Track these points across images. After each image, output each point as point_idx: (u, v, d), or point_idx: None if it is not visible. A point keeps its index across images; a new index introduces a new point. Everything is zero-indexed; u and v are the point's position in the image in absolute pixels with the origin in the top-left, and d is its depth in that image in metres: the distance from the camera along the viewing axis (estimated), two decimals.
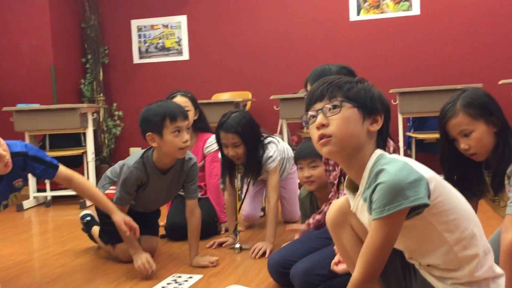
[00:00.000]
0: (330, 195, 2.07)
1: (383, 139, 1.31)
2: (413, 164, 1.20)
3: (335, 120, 1.24)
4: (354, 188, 1.34)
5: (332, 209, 1.45)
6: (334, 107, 1.25)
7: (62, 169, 2.15)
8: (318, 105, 1.28)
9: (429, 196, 1.17)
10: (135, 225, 2.23)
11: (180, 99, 2.94)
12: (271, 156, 2.63)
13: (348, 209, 1.37)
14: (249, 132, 2.56)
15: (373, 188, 1.20)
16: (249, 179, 2.74)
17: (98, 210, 2.48)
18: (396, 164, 1.18)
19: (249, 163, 2.62)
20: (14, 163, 1.94)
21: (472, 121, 1.63)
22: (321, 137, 1.26)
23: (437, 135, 4.08)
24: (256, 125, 2.66)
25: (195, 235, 2.39)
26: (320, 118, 1.26)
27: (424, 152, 4.39)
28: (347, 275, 1.73)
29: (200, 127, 3.06)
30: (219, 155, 2.74)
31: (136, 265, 2.21)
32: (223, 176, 2.75)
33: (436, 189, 1.19)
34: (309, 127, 1.31)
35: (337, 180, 1.98)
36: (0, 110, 4.29)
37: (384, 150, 1.30)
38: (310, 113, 1.30)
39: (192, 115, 2.96)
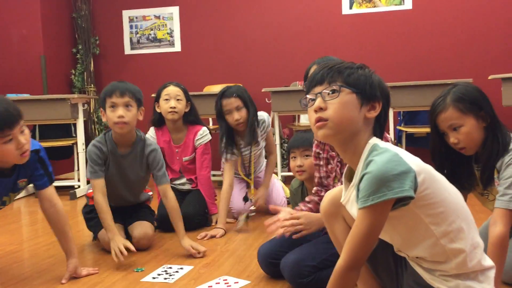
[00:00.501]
0: (314, 189, 2.07)
1: (380, 127, 1.31)
2: (404, 156, 1.21)
3: (333, 104, 1.25)
4: (351, 178, 1.35)
5: (326, 199, 1.48)
6: (333, 91, 1.26)
7: (53, 189, 2.13)
8: (318, 89, 1.29)
9: (416, 189, 1.17)
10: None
11: (172, 89, 2.97)
12: (263, 119, 3.00)
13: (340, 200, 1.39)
14: (248, 97, 2.90)
15: (360, 177, 1.21)
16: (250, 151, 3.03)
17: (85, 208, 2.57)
18: (385, 155, 1.19)
19: (252, 128, 2.91)
20: (28, 158, 1.99)
21: (462, 115, 1.65)
22: (318, 120, 1.26)
23: (427, 129, 4.11)
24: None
25: (177, 216, 2.43)
26: (318, 102, 1.27)
27: (414, 146, 4.42)
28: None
29: (191, 119, 3.06)
30: (226, 155, 2.93)
31: (112, 250, 2.26)
32: (225, 147, 2.92)
33: (425, 181, 1.20)
34: (307, 110, 1.32)
35: (333, 174, 1.97)
36: None
37: (381, 137, 1.30)
38: (309, 96, 1.31)
39: (183, 106, 2.98)
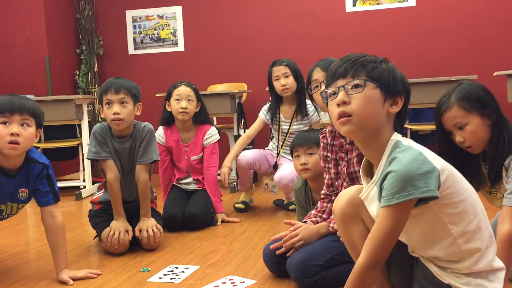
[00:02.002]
0: (322, 194, 2.07)
1: (400, 122, 1.31)
2: (427, 154, 1.20)
3: (357, 99, 1.23)
4: (369, 172, 1.34)
5: (342, 200, 1.43)
6: (357, 85, 1.24)
7: (57, 205, 2.14)
8: (340, 82, 1.26)
9: (439, 188, 1.17)
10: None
11: (184, 89, 2.98)
12: (313, 109, 3.21)
13: (360, 201, 1.36)
14: (297, 70, 3.18)
15: (384, 175, 1.20)
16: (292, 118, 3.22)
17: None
18: (410, 153, 1.18)
19: (300, 99, 3.18)
20: (34, 169, 2.05)
21: (466, 114, 1.64)
22: (341, 114, 1.24)
23: (432, 127, 4.12)
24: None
25: (143, 196, 2.50)
26: (341, 95, 1.25)
27: (419, 144, 4.40)
28: (343, 265, 1.76)
29: (201, 119, 3.08)
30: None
31: (110, 229, 2.39)
32: (268, 110, 3.26)
33: (447, 181, 1.20)
34: (328, 103, 1.30)
35: (344, 175, 1.95)
36: None
37: (402, 133, 1.30)
38: (331, 89, 1.29)
39: (194, 107, 3.00)
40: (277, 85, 3.16)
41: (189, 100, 2.96)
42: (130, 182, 2.57)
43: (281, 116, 3.25)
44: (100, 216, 2.57)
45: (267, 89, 4.27)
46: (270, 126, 3.34)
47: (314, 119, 3.24)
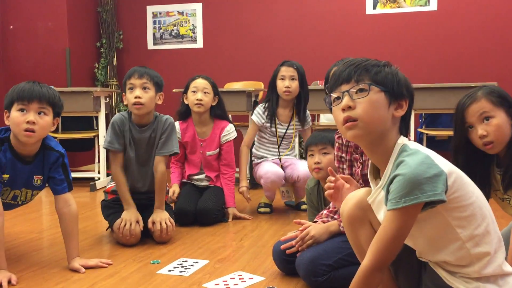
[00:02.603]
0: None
1: (406, 125, 1.30)
2: (435, 158, 1.20)
3: (362, 103, 1.23)
4: (377, 175, 1.33)
5: (350, 202, 1.41)
6: (361, 90, 1.24)
7: (71, 194, 2.17)
8: (345, 87, 1.26)
9: (446, 191, 1.16)
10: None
11: (200, 81, 3.02)
12: (308, 115, 3.26)
13: (368, 204, 1.35)
14: (304, 77, 3.17)
15: (391, 178, 1.20)
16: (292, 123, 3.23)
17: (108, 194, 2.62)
18: (417, 157, 1.18)
19: (301, 107, 3.19)
20: (50, 156, 2.09)
21: (494, 107, 1.63)
22: (347, 119, 1.24)
23: (449, 132, 4.07)
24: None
25: (159, 187, 2.54)
26: (346, 100, 1.24)
27: (435, 150, 4.33)
28: (352, 266, 1.75)
29: (218, 113, 3.11)
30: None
31: (121, 220, 2.42)
32: (263, 110, 3.20)
33: (454, 184, 1.19)
34: (332, 109, 1.30)
35: (358, 176, 1.94)
36: None
37: (407, 136, 1.29)
38: (335, 94, 1.28)
39: (210, 99, 3.03)
40: (280, 85, 3.14)
41: (205, 93, 2.99)
42: (145, 172, 2.60)
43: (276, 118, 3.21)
44: (112, 207, 2.60)
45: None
46: (262, 128, 3.24)
47: (307, 126, 3.28)
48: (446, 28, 4.69)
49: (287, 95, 3.13)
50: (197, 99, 2.97)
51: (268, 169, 3.08)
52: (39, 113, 1.97)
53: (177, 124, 3.11)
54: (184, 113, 3.11)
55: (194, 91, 3.00)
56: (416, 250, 1.36)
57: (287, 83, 3.10)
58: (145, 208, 2.57)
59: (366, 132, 1.24)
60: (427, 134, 4.24)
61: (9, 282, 1.91)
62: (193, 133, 3.09)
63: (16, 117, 1.94)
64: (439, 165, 1.17)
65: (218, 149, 3.09)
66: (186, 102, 3.06)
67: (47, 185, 2.18)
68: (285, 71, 3.13)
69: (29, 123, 1.93)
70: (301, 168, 3.08)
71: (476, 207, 1.23)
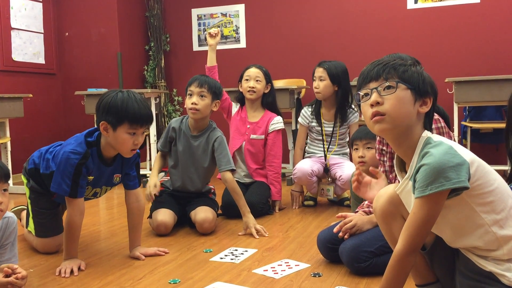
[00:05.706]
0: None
1: (429, 121, 1.40)
2: (457, 148, 1.29)
3: (390, 99, 1.33)
4: (403, 168, 1.43)
5: (382, 199, 1.50)
6: (389, 87, 1.34)
7: (140, 189, 2.38)
8: (373, 84, 1.36)
9: (469, 179, 1.26)
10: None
11: (253, 70, 3.25)
12: (353, 112, 3.35)
13: (399, 198, 1.45)
14: (337, 76, 3.23)
15: (417, 169, 1.30)
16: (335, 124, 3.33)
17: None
18: (441, 148, 1.27)
19: (338, 103, 3.28)
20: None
21: None
22: (375, 114, 1.34)
23: (494, 125, 4.06)
24: (347, 76, 3.32)
25: (236, 194, 2.72)
26: (375, 96, 1.35)
27: (479, 142, 4.34)
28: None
29: (269, 101, 3.30)
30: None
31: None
32: (309, 112, 3.39)
33: (476, 172, 1.28)
34: (361, 104, 1.40)
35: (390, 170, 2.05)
36: (73, 94, 4.63)
37: (431, 131, 1.39)
38: (363, 91, 1.39)
39: (262, 87, 3.25)
40: (314, 84, 3.31)
41: (257, 80, 3.22)
42: (200, 170, 2.83)
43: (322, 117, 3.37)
44: (156, 199, 2.76)
45: None
46: (310, 128, 3.39)
47: (353, 120, 3.36)
48: (489, 20, 4.64)
49: (317, 94, 3.29)
50: (250, 87, 3.21)
51: (298, 166, 3.24)
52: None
53: (234, 105, 3.38)
54: (241, 100, 3.36)
55: (247, 79, 3.23)
56: (443, 238, 1.44)
57: (315, 84, 3.28)
58: (192, 203, 2.79)
59: (393, 126, 1.33)
60: (471, 127, 4.22)
61: (79, 268, 2.12)
62: (245, 116, 3.30)
63: (126, 139, 2.06)
64: (462, 155, 1.26)
65: (263, 136, 3.24)
66: (240, 89, 3.30)
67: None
68: (317, 71, 3.29)
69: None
70: (345, 169, 3.18)
71: (498, 193, 1.31)
